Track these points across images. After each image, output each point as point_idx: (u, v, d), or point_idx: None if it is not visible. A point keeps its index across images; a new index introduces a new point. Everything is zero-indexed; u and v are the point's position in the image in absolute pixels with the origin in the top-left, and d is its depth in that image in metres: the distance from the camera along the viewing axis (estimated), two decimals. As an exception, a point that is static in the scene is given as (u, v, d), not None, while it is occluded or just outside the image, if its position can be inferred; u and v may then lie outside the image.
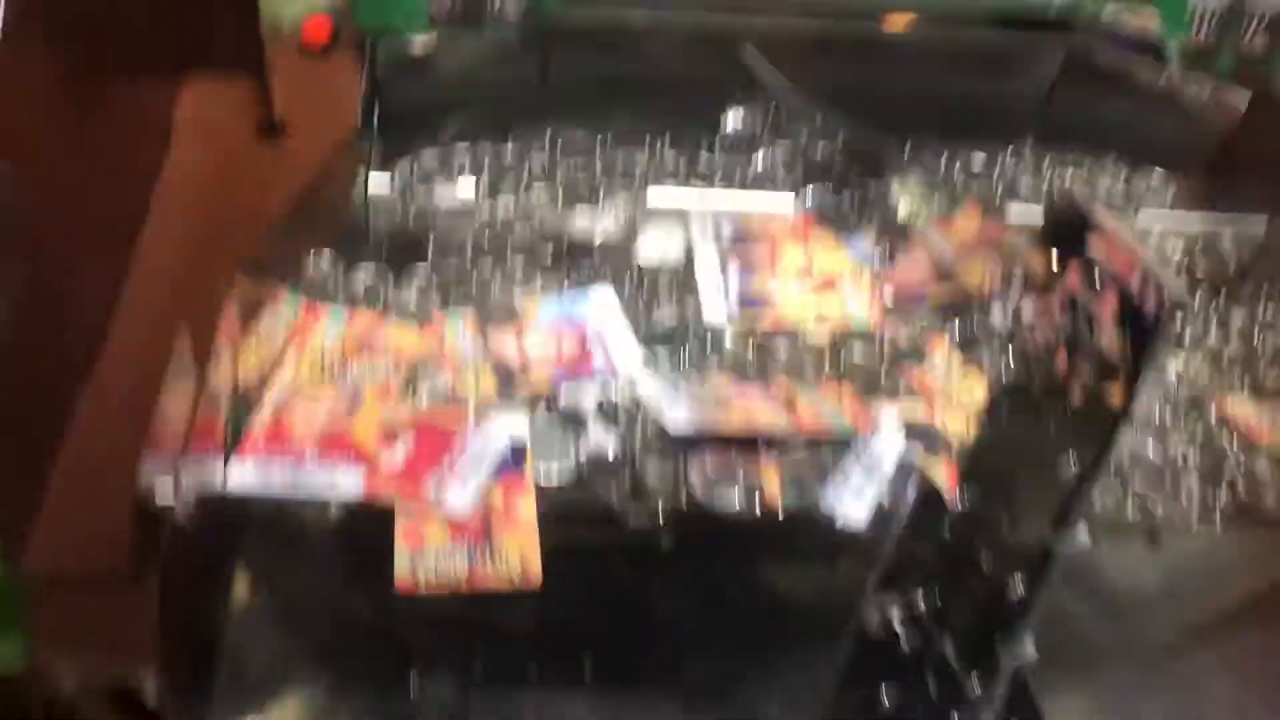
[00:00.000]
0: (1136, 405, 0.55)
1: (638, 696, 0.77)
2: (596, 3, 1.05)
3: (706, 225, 1.04)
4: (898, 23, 1.08)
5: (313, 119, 0.95)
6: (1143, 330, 0.53)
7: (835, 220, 1.06)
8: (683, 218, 1.04)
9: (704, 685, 0.78)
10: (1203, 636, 0.89)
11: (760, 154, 1.09)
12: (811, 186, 1.05)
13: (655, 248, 1.01)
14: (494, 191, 1.04)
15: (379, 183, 1.02)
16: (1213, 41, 1.03)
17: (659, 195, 1.05)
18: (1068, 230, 0.57)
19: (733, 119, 1.08)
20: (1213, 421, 0.93)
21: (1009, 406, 0.65)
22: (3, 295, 0.59)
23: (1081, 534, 0.62)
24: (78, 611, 0.57)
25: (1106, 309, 0.55)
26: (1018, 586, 0.66)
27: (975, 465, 0.70)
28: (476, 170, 1.06)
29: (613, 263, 1.00)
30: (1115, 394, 0.56)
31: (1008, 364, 0.67)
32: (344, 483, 0.79)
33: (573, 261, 0.99)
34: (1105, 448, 0.57)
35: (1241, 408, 0.95)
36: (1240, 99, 1.09)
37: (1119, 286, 0.54)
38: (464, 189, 1.04)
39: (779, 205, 1.06)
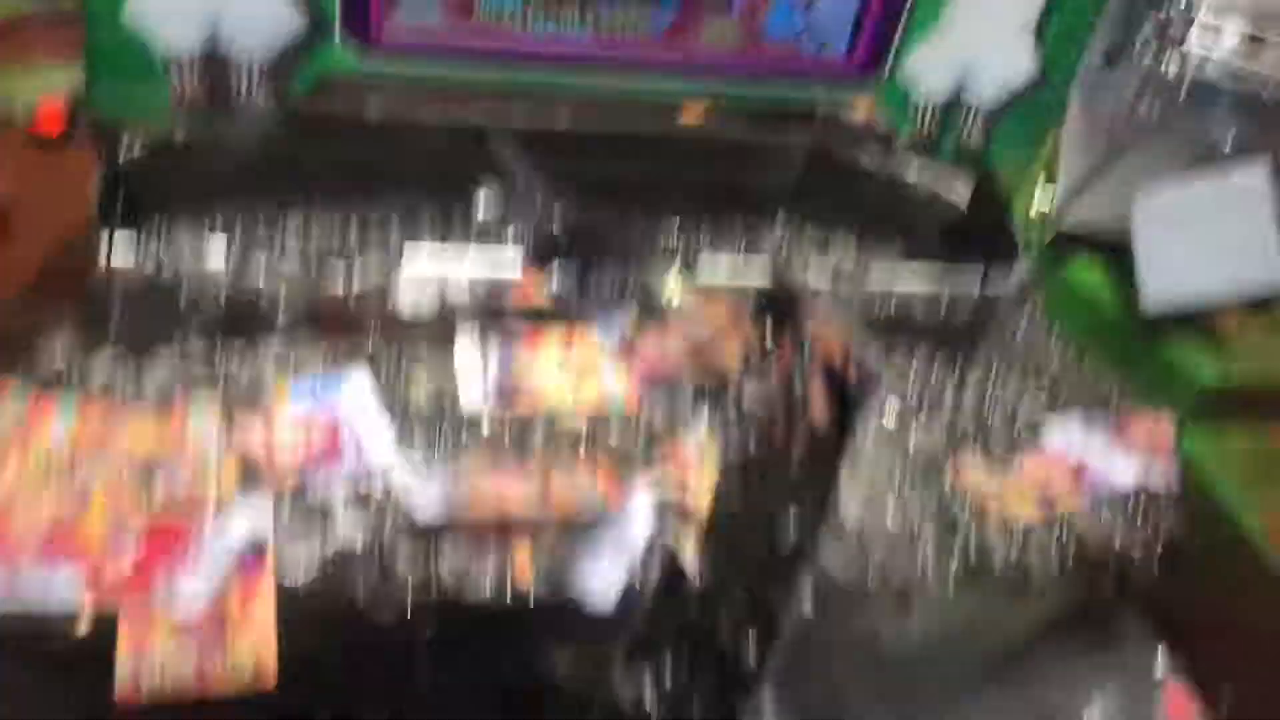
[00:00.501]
0: (842, 471, 0.58)
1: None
2: (342, 95, 1.05)
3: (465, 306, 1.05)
4: (692, 113, 1.12)
5: (43, 211, 0.91)
6: (846, 401, 0.56)
7: (587, 303, 1.07)
8: (438, 283, 1.04)
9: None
10: (948, 690, 0.94)
11: (510, 236, 1.10)
12: (558, 269, 1.07)
13: (412, 300, 1.00)
14: (245, 259, 1.01)
15: (123, 252, 0.98)
16: (936, 132, 1.10)
17: (414, 259, 1.05)
18: (781, 308, 0.59)
19: (483, 204, 1.09)
20: (947, 489, 0.98)
21: (739, 478, 0.68)
22: None
23: (805, 599, 0.65)
24: None
25: (815, 382, 0.58)
26: (750, 652, 0.68)
27: (713, 537, 0.72)
28: (227, 240, 1.03)
29: (369, 322, 0.98)
30: (825, 461, 0.58)
31: (742, 438, 0.69)
32: (64, 589, 0.74)
33: (327, 329, 0.97)
34: (817, 514, 0.60)
35: (975, 474, 1.00)
36: (962, 181, 1.17)
37: (824, 362, 0.57)
38: (214, 255, 1.01)
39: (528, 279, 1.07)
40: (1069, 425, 1.08)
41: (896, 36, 1.03)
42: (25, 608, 0.73)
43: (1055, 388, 1.13)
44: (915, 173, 1.22)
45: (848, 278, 1.15)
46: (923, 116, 1.09)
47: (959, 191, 1.22)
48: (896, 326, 1.16)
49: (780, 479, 0.63)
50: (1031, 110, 1.11)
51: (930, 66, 1.07)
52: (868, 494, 0.95)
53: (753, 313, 0.61)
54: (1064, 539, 0.97)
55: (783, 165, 1.23)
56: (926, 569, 0.91)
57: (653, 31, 1.00)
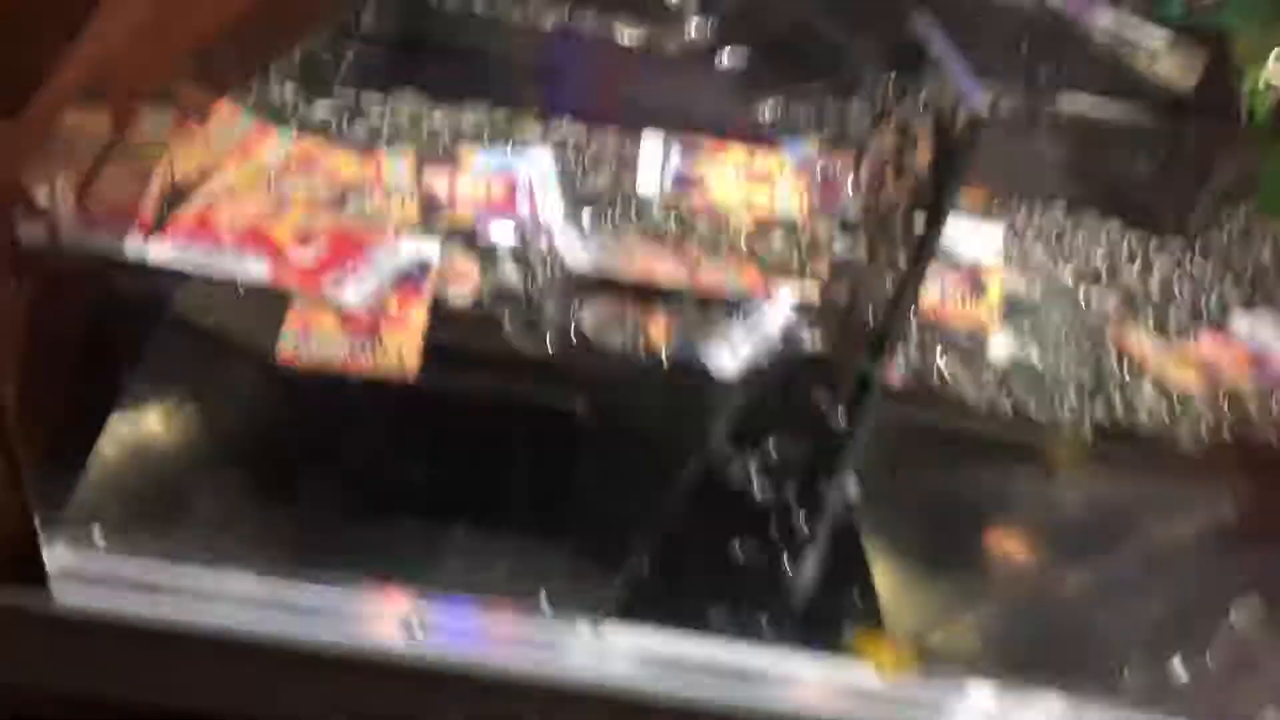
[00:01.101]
0: (940, 225, 0.59)
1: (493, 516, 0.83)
2: None
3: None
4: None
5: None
6: (950, 146, 0.57)
7: (783, 122, 1.09)
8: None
9: (560, 514, 0.84)
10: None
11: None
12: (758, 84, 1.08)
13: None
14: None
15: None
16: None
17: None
18: (907, 61, 0.60)
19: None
20: (1110, 345, 0.96)
21: (848, 242, 0.69)
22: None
23: (899, 365, 0.66)
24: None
25: (924, 130, 0.58)
26: (840, 420, 0.70)
27: (825, 308, 0.74)
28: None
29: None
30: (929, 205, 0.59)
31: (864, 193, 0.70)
32: (252, 269, 0.84)
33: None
34: (912, 270, 0.61)
35: (1143, 337, 0.98)
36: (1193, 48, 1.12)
37: (934, 107, 0.57)
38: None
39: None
40: (1259, 319, 1.03)
41: None
42: (217, 276, 0.83)
43: (1255, 279, 1.07)
44: (1142, 32, 1.16)
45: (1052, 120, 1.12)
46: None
47: (1189, 56, 1.16)
48: (1093, 177, 1.14)
49: (886, 239, 0.64)
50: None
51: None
52: (1023, 338, 0.95)
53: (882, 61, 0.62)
54: (1224, 414, 0.93)
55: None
56: (1066, 414, 0.90)
57: None
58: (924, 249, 0.59)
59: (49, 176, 0.65)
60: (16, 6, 0.73)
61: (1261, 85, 1.10)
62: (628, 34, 1.08)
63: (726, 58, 1.09)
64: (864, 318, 0.66)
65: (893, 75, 0.60)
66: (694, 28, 1.11)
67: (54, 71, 0.76)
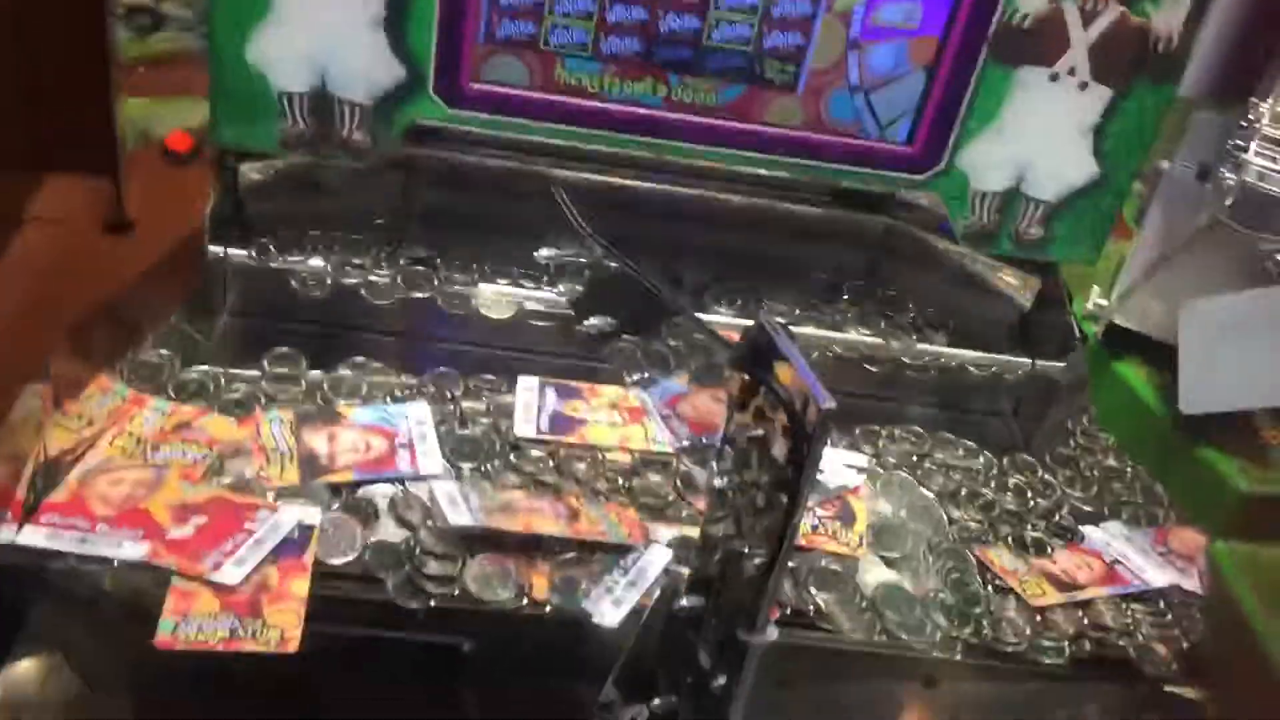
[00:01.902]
0: (798, 511, 0.62)
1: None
2: (429, 141, 1.16)
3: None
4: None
5: (164, 220, 1.03)
6: (803, 439, 0.61)
7: (638, 361, 1.14)
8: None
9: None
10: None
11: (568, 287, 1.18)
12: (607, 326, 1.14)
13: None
14: (338, 281, 1.12)
15: (234, 254, 1.10)
16: (994, 223, 1.15)
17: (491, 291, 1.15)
18: (759, 353, 0.65)
19: (546, 253, 1.17)
20: (971, 564, 1.01)
21: (720, 514, 0.73)
22: None
23: (771, 630, 0.69)
24: None
25: (779, 422, 0.63)
26: (719, 680, 0.72)
27: (700, 570, 0.77)
28: (323, 261, 1.14)
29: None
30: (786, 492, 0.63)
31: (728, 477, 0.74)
32: (129, 550, 0.83)
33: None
34: (778, 549, 0.64)
35: (1003, 554, 1.03)
36: (1028, 275, 1.22)
37: (786, 402, 0.62)
38: (312, 273, 1.12)
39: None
40: (1109, 529, 1.10)
41: (955, 128, 1.08)
42: (91, 561, 0.82)
43: (1100, 489, 1.15)
44: (979, 264, 1.27)
45: (900, 354, 1.20)
46: (981, 207, 1.14)
47: (1023, 285, 1.26)
48: (947, 406, 1.21)
49: (751, 518, 0.68)
50: (1092, 207, 1.14)
51: (988, 160, 1.12)
52: (890, 560, 1.00)
53: (735, 360, 0.66)
54: (1084, 624, 0.98)
55: (852, 243, 1.30)
56: (936, 635, 0.93)
57: (721, 103, 1.07)
58: (787, 529, 0.63)
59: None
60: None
61: (1090, 307, 1.20)
62: (493, 308, 1.13)
63: (591, 323, 1.14)
64: (735, 587, 0.69)
65: (745, 375, 0.65)
66: (559, 292, 1.17)
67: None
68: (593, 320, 1.14)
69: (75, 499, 0.87)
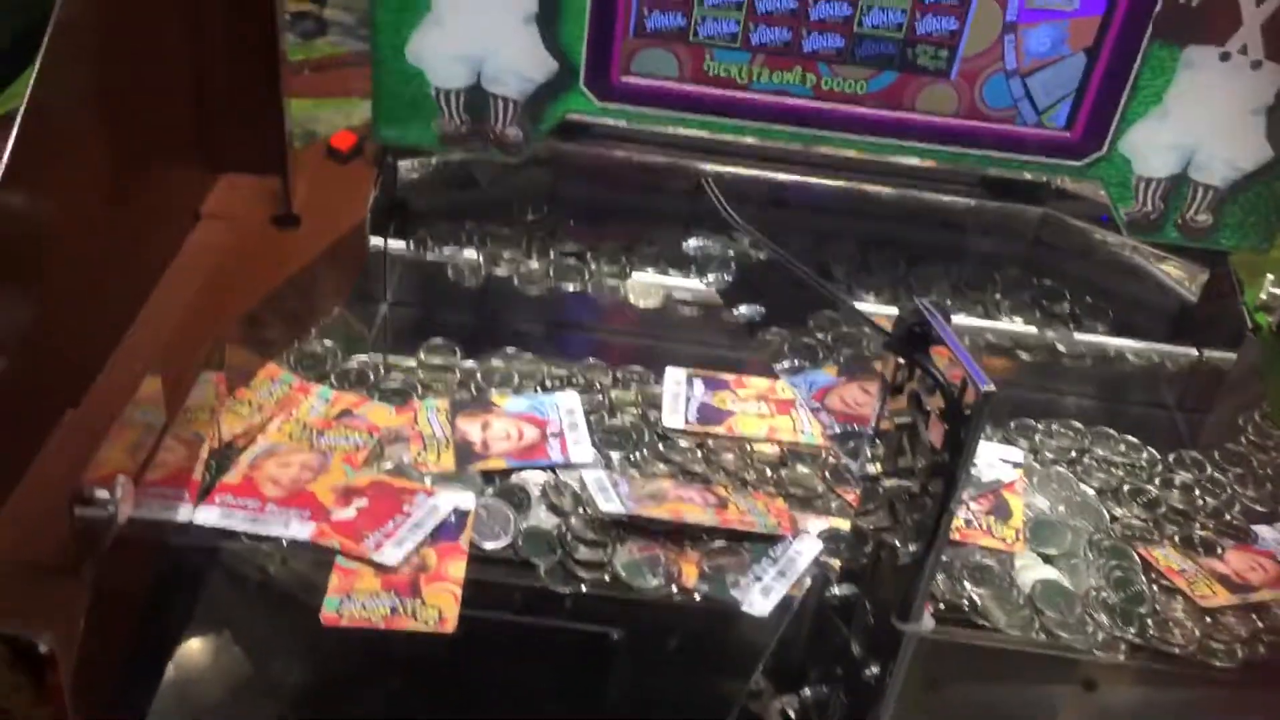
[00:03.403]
0: (954, 496, 0.61)
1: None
2: (583, 141, 1.18)
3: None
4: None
5: (328, 215, 1.07)
6: (960, 423, 0.60)
7: (791, 352, 1.14)
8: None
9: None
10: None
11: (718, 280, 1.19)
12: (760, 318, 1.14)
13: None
14: (491, 269, 1.15)
15: (394, 246, 1.15)
16: (1159, 211, 1.10)
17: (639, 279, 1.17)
18: (914, 338, 0.64)
19: (695, 246, 1.18)
20: (1135, 562, 0.97)
21: (872, 504, 0.72)
22: (15, 316, 0.70)
23: (927, 619, 0.68)
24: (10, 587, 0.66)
25: (933, 407, 0.62)
26: (873, 669, 0.71)
27: (852, 559, 0.77)
28: (482, 243, 1.17)
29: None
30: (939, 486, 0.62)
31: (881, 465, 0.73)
32: (296, 529, 0.87)
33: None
34: (933, 536, 0.63)
35: (1169, 552, 0.99)
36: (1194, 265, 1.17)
37: (943, 385, 0.61)
38: (467, 266, 1.16)
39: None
40: None
41: (1118, 112, 1.05)
42: (262, 538, 0.86)
43: (1273, 488, 1.09)
44: (1141, 255, 1.22)
45: (1056, 342, 1.17)
46: (1145, 194, 1.10)
47: (1189, 277, 1.21)
48: (1107, 399, 1.17)
49: (905, 505, 0.67)
50: (1265, 193, 1.09)
51: (1153, 144, 1.07)
52: (1048, 557, 0.97)
53: (890, 344, 0.66)
54: (1258, 627, 0.94)
55: (1006, 234, 1.27)
56: (1099, 635, 0.90)
57: (871, 92, 1.06)
58: (943, 516, 0.62)
59: (110, 461, 0.69)
60: (75, 303, 0.79)
61: (1264, 297, 1.15)
62: (641, 297, 1.15)
63: (740, 312, 1.14)
64: (888, 576, 0.68)
65: (899, 359, 0.64)
66: (709, 282, 1.17)
67: (112, 359, 0.82)
68: (742, 309, 1.14)
69: (247, 481, 0.91)
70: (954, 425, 0.60)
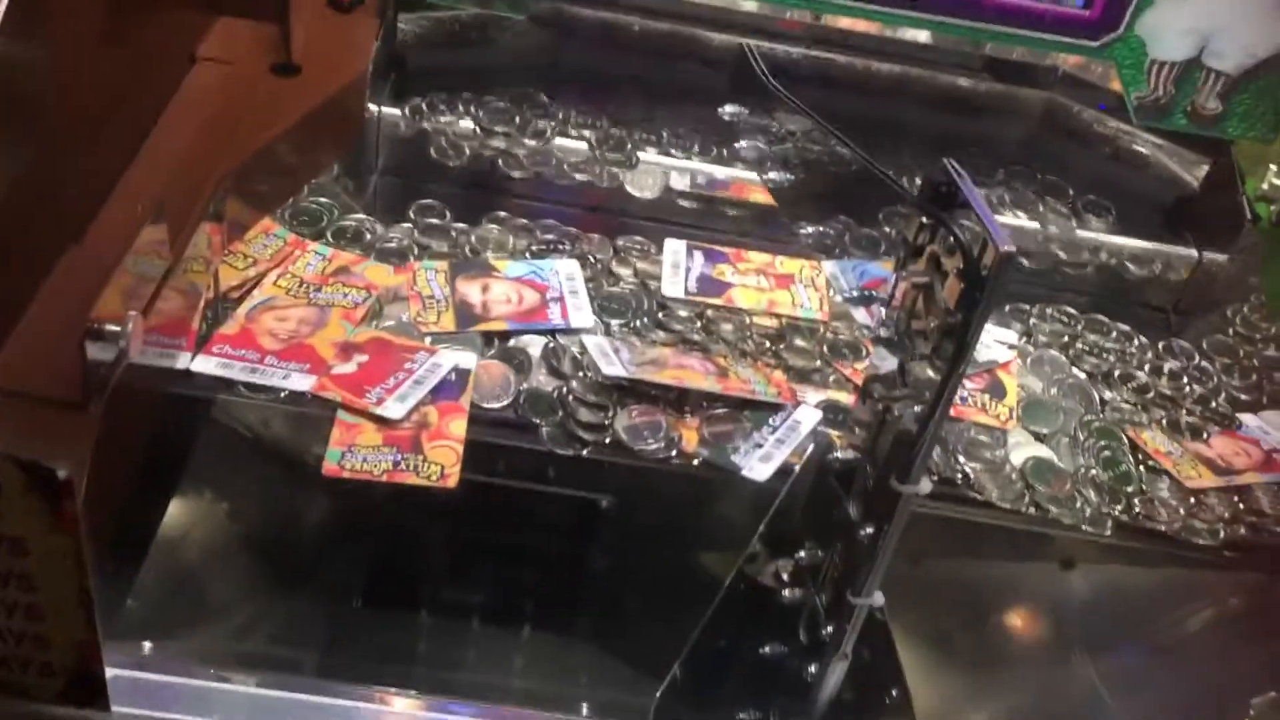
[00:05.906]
0: (965, 358, 0.61)
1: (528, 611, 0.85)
2: (588, 4, 1.15)
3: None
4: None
5: (327, 64, 1.04)
6: (977, 283, 0.60)
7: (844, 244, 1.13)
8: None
9: (594, 609, 0.85)
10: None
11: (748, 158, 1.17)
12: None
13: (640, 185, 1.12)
14: (489, 140, 1.13)
15: (389, 112, 1.12)
16: (1170, 95, 1.09)
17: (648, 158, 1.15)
18: (939, 197, 0.63)
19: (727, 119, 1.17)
20: (1124, 443, 0.99)
21: (883, 363, 0.72)
22: (13, 156, 0.68)
23: (925, 482, 0.68)
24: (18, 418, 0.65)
25: (951, 268, 0.62)
26: (868, 530, 0.72)
27: (856, 418, 0.77)
28: (479, 116, 1.14)
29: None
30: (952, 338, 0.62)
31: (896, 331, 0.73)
32: (296, 382, 0.86)
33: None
34: (939, 398, 0.63)
35: (1157, 434, 1.00)
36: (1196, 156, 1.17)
37: (964, 244, 0.60)
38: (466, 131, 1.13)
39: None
40: (1268, 418, 1.06)
41: (1137, -9, 1.03)
42: (260, 388, 0.85)
43: (1259, 379, 1.11)
44: (1143, 143, 1.22)
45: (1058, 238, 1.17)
46: (1157, 79, 1.08)
47: (1191, 165, 1.21)
48: (1105, 288, 1.18)
49: (913, 366, 0.67)
50: (1276, 82, 1.08)
51: (1170, 26, 1.06)
52: (1040, 435, 0.98)
53: (915, 200, 0.65)
54: (1240, 509, 0.96)
55: (1008, 118, 1.26)
56: (1086, 510, 0.92)
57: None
58: (951, 378, 0.62)
59: (116, 299, 0.68)
60: (73, 140, 0.76)
61: (1265, 188, 1.15)
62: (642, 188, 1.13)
63: (771, 174, 1.13)
64: (893, 436, 0.69)
65: (923, 218, 0.63)
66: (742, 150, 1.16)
67: (112, 198, 0.80)
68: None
69: (244, 332, 0.90)
70: (970, 285, 0.60)
